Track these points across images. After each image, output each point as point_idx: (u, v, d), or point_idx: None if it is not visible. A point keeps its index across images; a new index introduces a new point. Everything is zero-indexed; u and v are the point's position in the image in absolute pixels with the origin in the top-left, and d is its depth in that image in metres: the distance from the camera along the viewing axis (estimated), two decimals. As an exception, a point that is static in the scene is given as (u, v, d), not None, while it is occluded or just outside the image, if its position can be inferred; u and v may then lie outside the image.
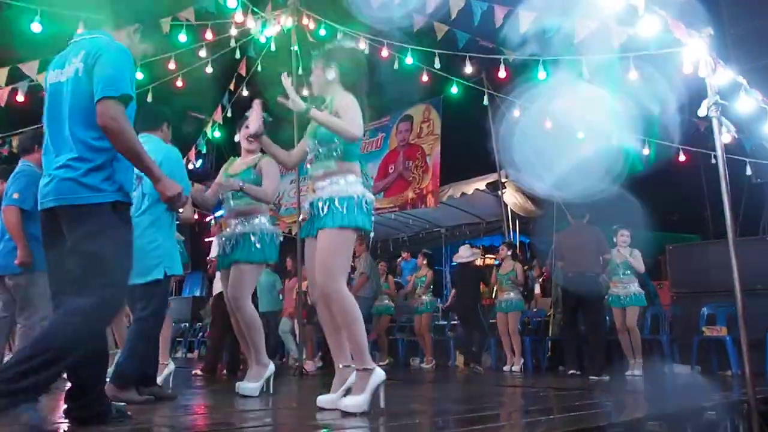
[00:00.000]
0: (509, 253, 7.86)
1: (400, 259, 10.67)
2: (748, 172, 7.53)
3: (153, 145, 3.56)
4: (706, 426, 3.05)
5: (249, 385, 3.80)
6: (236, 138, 4.22)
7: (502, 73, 6.73)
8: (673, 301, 7.24)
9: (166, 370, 4.49)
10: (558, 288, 7.20)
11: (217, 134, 9.22)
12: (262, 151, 3.95)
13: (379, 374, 2.88)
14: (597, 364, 5.96)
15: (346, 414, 2.77)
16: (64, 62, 2.47)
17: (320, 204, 2.97)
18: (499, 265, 8.15)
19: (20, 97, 7.33)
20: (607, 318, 6.97)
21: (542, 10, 5.62)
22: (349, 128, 2.95)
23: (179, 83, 7.89)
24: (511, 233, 9.75)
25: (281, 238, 4.11)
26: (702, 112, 4.01)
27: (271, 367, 3.97)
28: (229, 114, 9.15)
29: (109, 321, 2.52)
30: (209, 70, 7.97)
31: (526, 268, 10.24)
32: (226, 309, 5.83)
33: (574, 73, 6.42)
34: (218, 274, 6.22)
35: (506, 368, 7.35)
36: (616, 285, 6.45)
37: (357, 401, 2.79)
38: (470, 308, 7.77)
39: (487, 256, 12.59)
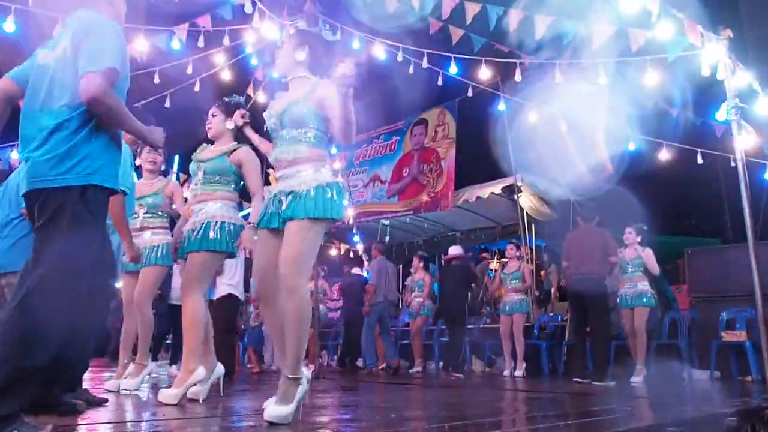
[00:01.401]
0: (517, 253, 7.81)
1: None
2: (768, 175, 7.42)
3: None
4: (726, 432, 3.01)
5: (170, 392, 3.46)
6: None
7: (518, 77, 6.72)
8: (691, 305, 7.17)
9: (145, 370, 4.48)
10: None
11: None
12: (238, 140, 3.87)
13: (305, 385, 2.69)
14: (602, 369, 5.85)
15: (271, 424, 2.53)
16: (55, 44, 2.43)
17: (288, 193, 2.76)
18: (504, 266, 8.08)
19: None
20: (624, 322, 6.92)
21: (559, 14, 5.62)
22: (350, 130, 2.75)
23: (197, 88, 7.98)
24: (527, 237, 9.70)
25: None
26: (721, 115, 3.99)
27: (219, 369, 3.87)
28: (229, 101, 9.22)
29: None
30: (226, 76, 8.04)
31: (542, 272, 10.22)
32: (223, 313, 5.91)
33: (590, 77, 6.40)
34: (228, 275, 6.22)
35: (506, 373, 7.25)
36: (623, 284, 6.38)
37: (285, 411, 2.55)
38: (457, 309, 7.58)
39: (502, 260, 12.57)
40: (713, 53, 4.44)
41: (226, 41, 7.43)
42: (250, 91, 9.00)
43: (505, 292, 7.58)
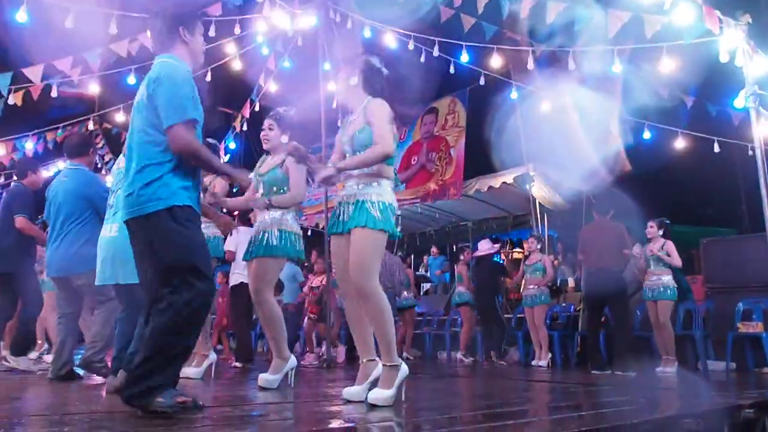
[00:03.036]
0: (538, 246, 7.78)
1: (427, 255, 10.66)
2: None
3: (77, 174, 4.41)
4: (743, 424, 2.97)
5: (269, 377, 3.85)
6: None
7: (530, 65, 6.64)
8: (707, 296, 7.09)
9: (207, 360, 4.59)
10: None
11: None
12: None
13: (404, 370, 2.99)
14: (623, 360, 5.83)
15: (373, 407, 2.83)
16: (144, 83, 2.71)
17: (355, 204, 3.03)
18: (527, 258, 8.07)
19: (54, 93, 7.51)
20: (639, 312, 6.87)
21: (571, 0, 5.53)
22: (381, 151, 3.00)
23: (208, 78, 7.98)
24: (539, 227, 9.64)
25: (301, 234, 4.12)
26: (740, 102, 3.90)
27: (293, 361, 4.00)
28: (257, 108, 9.23)
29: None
30: (237, 65, 8.03)
31: (555, 261, 10.15)
32: (244, 299, 5.98)
33: (604, 65, 6.31)
34: (241, 265, 6.30)
35: (534, 363, 7.27)
36: (648, 277, 6.33)
37: (385, 395, 2.87)
38: (488, 302, 7.70)
39: (514, 250, 12.51)
40: (731, 39, 4.34)
41: (237, 30, 7.41)
42: (261, 80, 8.99)
43: (528, 284, 7.58)
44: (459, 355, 8.05)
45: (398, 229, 3.07)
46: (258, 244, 3.90)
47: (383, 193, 3.04)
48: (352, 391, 3.07)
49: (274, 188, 3.97)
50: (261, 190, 4.01)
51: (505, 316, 8.46)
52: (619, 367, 5.80)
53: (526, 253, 8.41)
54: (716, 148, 7.86)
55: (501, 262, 10.94)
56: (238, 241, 6.22)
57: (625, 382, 4.92)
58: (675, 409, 3.26)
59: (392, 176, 3.14)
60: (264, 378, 3.84)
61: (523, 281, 7.79)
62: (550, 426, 2.52)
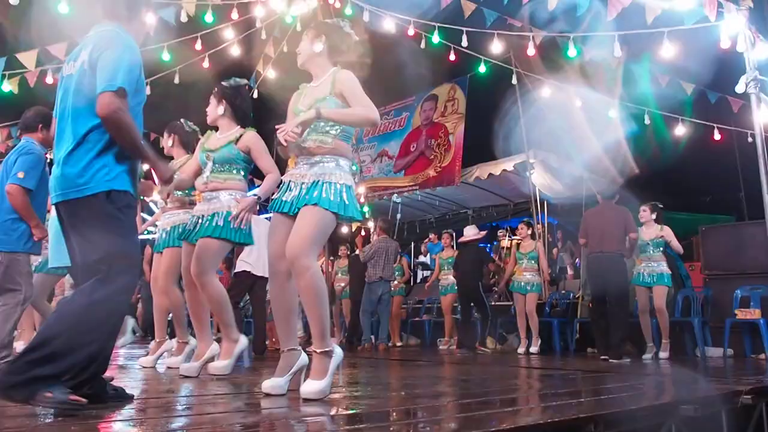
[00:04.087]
0: (529, 231, 7.78)
1: (427, 240, 10.65)
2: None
3: (24, 146, 3.95)
4: (742, 410, 2.98)
5: (220, 364, 3.70)
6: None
7: (531, 51, 6.60)
8: (705, 283, 7.10)
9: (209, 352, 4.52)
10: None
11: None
12: (243, 125, 3.87)
13: (338, 355, 2.77)
14: (618, 346, 5.80)
15: (308, 401, 2.61)
16: (77, 55, 2.54)
17: (312, 184, 2.80)
18: (518, 245, 8.06)
19: (49, 79, 7.45)
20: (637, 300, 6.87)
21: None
22: (369, 114, 2.82)
23: (206, 64, 7.92)
24: (539, 214, 9.62)
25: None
26: (740, 88, 3.88)
27: (244, 341, 3.91)
28: (255, 95, 9.18)
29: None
30: (235, 51, 7.97)
31: (554, 249, 10.16)
32: (233, 286, 5.97)
33: (605, 50, 6.27)
34: (246, 252, 6.30)
35: (521, 350, 7.27)
36: (641, 263, 6.32)
37: (319, 387, 2.64)
38: (471, 289, 7.66)
39: (514, 237, 12.51)
40: (733, 24, 4.31)
41: (235, 15, 7.35)
42: (260, 66, 8.93)
43: (520, 271, 7.57)
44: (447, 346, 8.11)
45: (362, 209, 2.90)
46: (205, 225, 3.69)
47: (342, 175, 2.83)
48: (272, 383, 2.80)
49: (227, 165, 3.77)
50: (209, 165, 3.79)
51: (503, 303, 8.49)
52: (614, 353, 5.77)
53: (518, 239, 8.39)
54: (716, 136, 7.84)
55: (488, 248, 10.94)
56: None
57: (623, 369, 4.93)
58: (673, 395, 3.27)
59: (351, 156, 2.96)
60: (214, 366, 3.70)
61: (516, 268, 7.78)
62: (549, 412, 2.53)
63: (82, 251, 2.45)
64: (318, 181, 2.79)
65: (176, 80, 7.94)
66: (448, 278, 8.34)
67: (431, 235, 10.66)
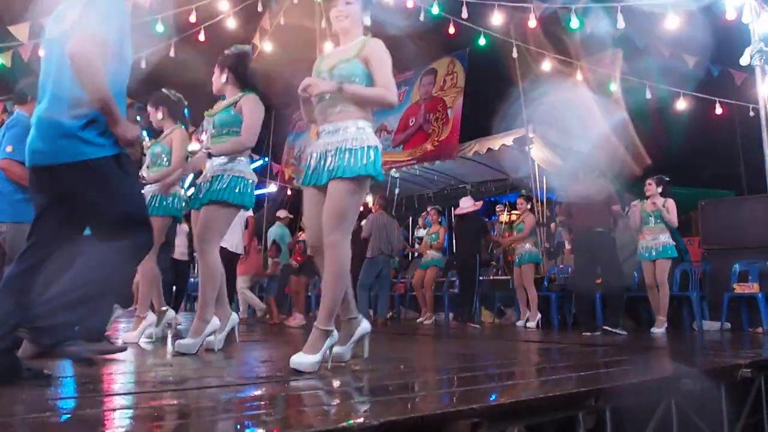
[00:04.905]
0: (528, 206, 7.78)
1: (425, 214, 10.64)
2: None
3: (13, 119, 3.86)
4: (741, 383, 2.99)
5: (187, 342, 3.53)
6: None
7: (532, 23, 6.50)
8: (703, 257, 7.12)
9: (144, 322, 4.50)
10: None
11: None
12: (245, 90, 3.82)
13: (334, 337, 2.79)
14: (613, 320, 5.83)
15: (368, 364, 2.79)
16: (62, 16, 2.44)
17: (333, 150, 2.80)
18: (510, 222, 8.08)
19: (42, 52, 7.32)
20: (636, 274, 6.89)
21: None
22: (388, 97, 2.85)
23: (201, 37, 7.80)
24: (538, 189, 9.60)
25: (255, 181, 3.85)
26: (745, 60, 3.82)
27: (234, 318, 3.89)
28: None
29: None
30: (231, 23, 7.85)
31: (552, 224, 10.15)
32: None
33: (607, 23, 6.19)
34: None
35: (519, 323, 7.31)
36: (644, 236, 6.30)
37: (309, 360, 2.65)
38: (468, 262, 7.63)
39: (513, 212, 12.49)
40: (738, -5, 4.25)
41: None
42: (256, 40, 8.80)
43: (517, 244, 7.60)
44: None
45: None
46: (207, 191, 3.64)
47: (365, 138, 2.82)
48: (334, 352, 2.88)
49: (225, 129, 3.73)
50: (210, 130, 3.79)
51: (501, 277, 8.52)
52: (610, 326, 5.77)
53: (516, 212, 8.41)
54: (718, 110, 7.78)
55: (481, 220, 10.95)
56: None
57: (620, 343, 4.95)
58: (673, 369, 3.29)
59: (372, 118, 2.93)
60: (182, 343, 3.53)
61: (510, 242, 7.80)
62: (547, 386, 2.54)
63: (89, 215, 2.41)
64: (341, 148, 2.79)
65: (171, 53, 7.82)
66: (431, 253, 8.33)
67: (429, 209, 10.65)
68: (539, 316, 7.23)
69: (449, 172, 11.74)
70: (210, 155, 3.68)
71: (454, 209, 8.97)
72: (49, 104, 2.38)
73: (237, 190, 3.62)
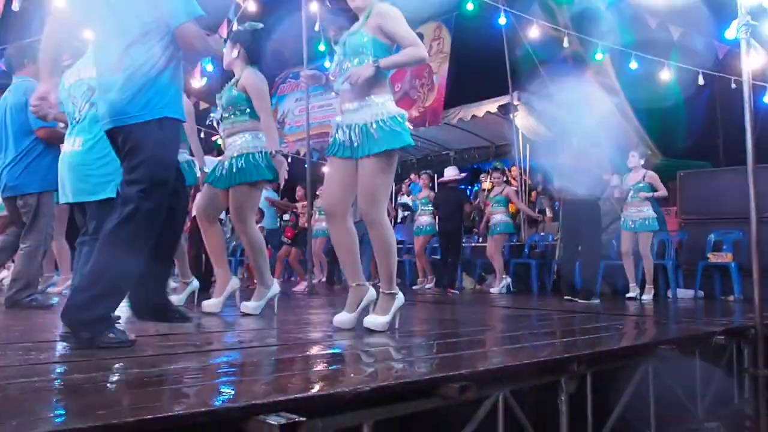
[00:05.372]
0: (504, 178, 7.93)
1: (408, 180, 10.67)
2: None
3: (18, 87, 4.02)
4: (714, 350, 3.12)
5: (251, 304, 3.80)
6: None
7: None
8: (680, 227, 7.28)
9: (189, 287, 4.58)
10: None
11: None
12: (248, 65, 3.80)
13: (400, 299, 3.02)
14: (590, 288, 5.94)
15: (367, 332, 2.90)
16: None
17: (357, 129, 2.88)
18: (491, 190, 8.16)
19: (15, 6, 7.05)
20: (614, 243, 7.03)
21: None
22: (420, 53, 2.89)
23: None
24: (521, 157, 9.65)
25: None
26: (731, 33, 3.85)
27: (276, 288, 3.96)
28: (235, 28, 8.85)
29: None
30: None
31: (533, 192, 10.26)
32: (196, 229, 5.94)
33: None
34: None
35: (493, 290, 7.52)
36: (628, 208, 6.40)
37: (381, 321, 2.92)
38: (452, 230, 7.73)
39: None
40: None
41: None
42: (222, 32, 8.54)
43: (489, 214, 7.73)
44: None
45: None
46: (226, 174, 3.71)
47: (388, 110, 2.87)
48: (342, 319, 3.03)
49: (231, 108, 3.76)
50: (220, 113, 3.83)
51: (482, 244, 8.61)
52: (585, 294, 5.85)
53: (491, 185, 8.49)
54: (701, 81, 7.85)
55: (470, 191, 11.02)
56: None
57: (599, 310, 5.08)
58: (652, 335, 3.40)
59: (389, 88, 2.97)
60: (246, 305, 3.80)
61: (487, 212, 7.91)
62: (532, 352, 2.61)
63: (127, 176, 2.37)
64: (367, 125, 2.85)
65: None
66: (423, 219, 8.39)
67: (412, 176, 10.67)
68: (505, 281, 7.49)
69: (433, 139, 11.74)
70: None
71: (437, 177, 9.02)
72: (110, 68, 2.40)
73: (255, 168, 3.68)
